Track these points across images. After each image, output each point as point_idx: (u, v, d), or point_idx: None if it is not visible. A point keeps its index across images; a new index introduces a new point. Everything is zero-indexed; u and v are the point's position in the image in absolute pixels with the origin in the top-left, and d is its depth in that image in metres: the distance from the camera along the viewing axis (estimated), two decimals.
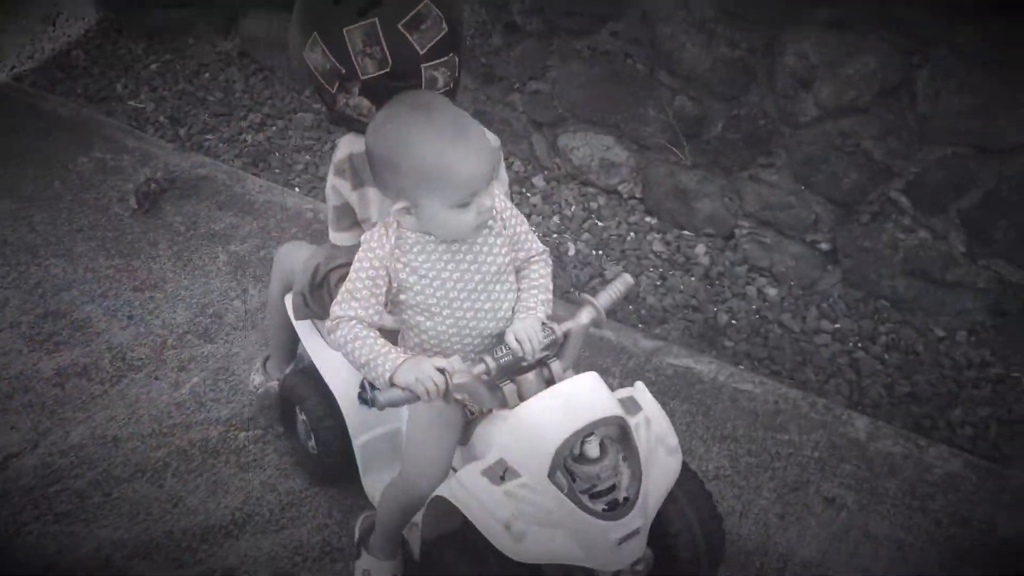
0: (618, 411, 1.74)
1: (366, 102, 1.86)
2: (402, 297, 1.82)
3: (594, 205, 3.38)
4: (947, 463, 2.42)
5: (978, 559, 2.19)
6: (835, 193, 2.92)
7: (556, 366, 1.80)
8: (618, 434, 1.76)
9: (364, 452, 2.15)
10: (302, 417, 2.30)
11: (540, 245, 1.93)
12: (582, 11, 3.20)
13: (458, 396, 1.81)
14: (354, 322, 1.77)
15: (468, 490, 1.72)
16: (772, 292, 3.00)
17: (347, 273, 1.89)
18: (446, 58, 1.87)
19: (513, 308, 1.86)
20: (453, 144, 1.66)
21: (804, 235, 3.04)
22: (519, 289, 1.88)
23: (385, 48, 1.80)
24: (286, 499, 2.38)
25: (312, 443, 2.29)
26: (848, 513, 2.30)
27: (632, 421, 1.77)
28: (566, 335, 1.81)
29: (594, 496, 1.72)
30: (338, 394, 2.14)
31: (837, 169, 2.88)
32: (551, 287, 1.91)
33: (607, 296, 1.86)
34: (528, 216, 3.39)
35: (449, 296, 1.80)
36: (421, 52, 1.82)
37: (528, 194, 3.49)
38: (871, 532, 2.25)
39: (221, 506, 2.38)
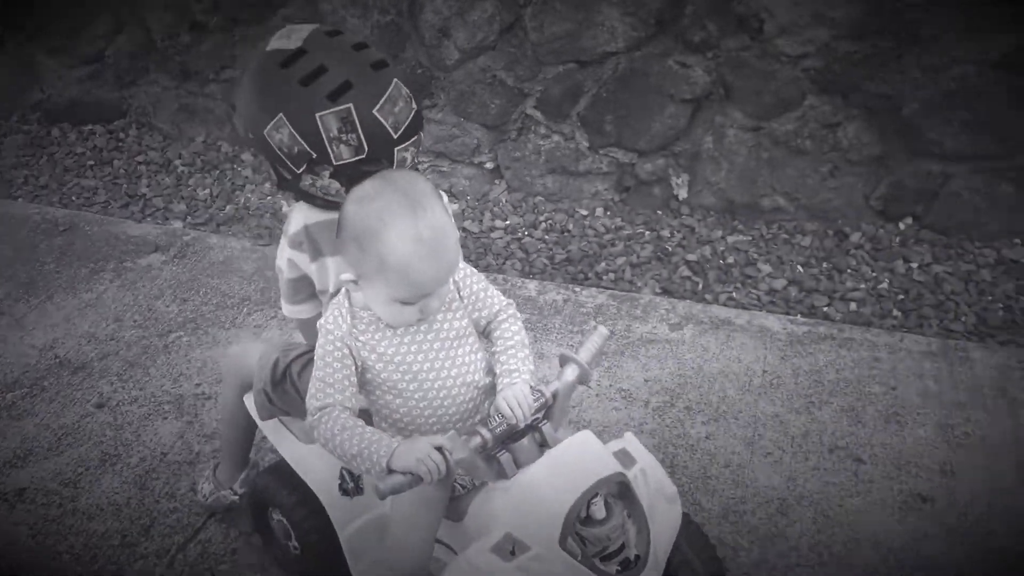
0: (619, 467, 1.69)
1: (336, 184, 1.78)
2: (368, 376, 1.76)
3: None
4: (595, 298, 3.16)
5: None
6: (487, 119, 3.62)
7: (547, 428, 1.73)
8: (619, 490, 1.70)
9: (352, 543, 2.01)
10: (277, 518, 2.19)
11: (503, 299, 1.85)
12: (254, 1, 3.73)
13: (459, 472, 1.73)
14: (337, 411, 1.69)
15: (479, 570, 1.66)
16: (455, 207, 3.66)
17: (310, 361, 1.84)
18: (415, 138, 1.81)
19: (481, 369, 1.80)
20: (428, 249, 1.60)
21: (471, 158, 3.72)
22: (495, 351, 1.82)
23: (361, 135, 1.72)
24: None
25: (294, 543, 2.17)
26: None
27: (630, 475, 1.72)
28: (554, 395, 1.75)
29: (605, 559, 1.67)
30: (317, 489, 2.03)
31: (484, 99, 3.58)
32: (527, 343, 1.84)
33: (587, 351, 1.82)
34: (242, 187, 3.88)
35: (412, 371, 1.74)
36: (395, 136, 1.75)
37: (239, 168, 3.98)
38: (543, 353, 2.93)
39: None
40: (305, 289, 1.92)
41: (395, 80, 1.75)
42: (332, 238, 1.79)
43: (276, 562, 2.28)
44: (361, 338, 1.73)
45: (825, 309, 3.05)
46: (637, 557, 1.68)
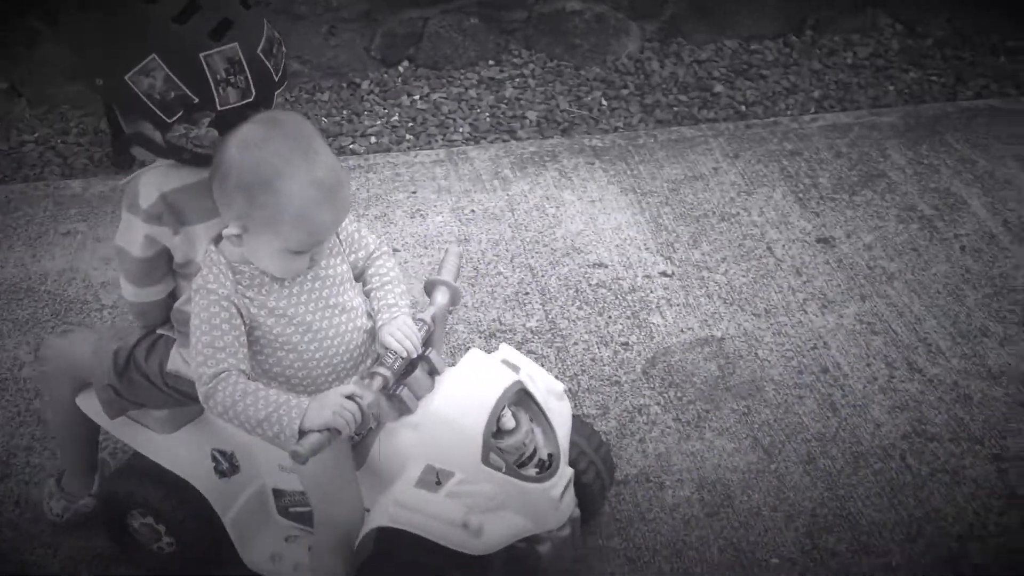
0: (516, 376, 1.76)
1: (214, 132, 1.67)
2: (256, 335, 1.67)
3: None
4: None
5: None
6: None
7: (434, 355, 1.74)
8: (516, 398, 1.77)
9: (236, 526, 1.92)
10: (140, 522, 2.00)
11: (375, 239, 1.84)
12: None
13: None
14: (234, 377, 1.58)
15: (411, 508, 1.66)
16: None
17: (156, 343, 1.81)
18: (286, 83, 1.72)
19: (365, 312, 1.77)
20: (328, 194, 1.55)
21: None
22: (370, 289, 1.80)
23: (249, 77, 1.60)
24: None
25: (164, 541, 2.01)
26: None
27: (525, 380, 1.79)
28: (434, 320, 1.77)
29: (522, 465, 1.74)
30: (191, 477, 1.90)
31: None
32: (402, 279, 1.84)
33: (449, 272, 1.85)
34: None
35: (306, 322, 1.68)
36: (276, 79, 1.65)
37: None
38: None
39: None
40: (160, 267, 1.74)
41: (266, 20, 1.66)
42: (198, 203, 1.66)
43: (144, 571, 2.07)
44: (248, 294, 1.64)
45: (351, 147, 3.54)
46: (550, 456, 1.75)
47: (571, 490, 1.78)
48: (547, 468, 1.75)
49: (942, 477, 2.19)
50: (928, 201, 3.07)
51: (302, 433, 1.54)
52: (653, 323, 2.65)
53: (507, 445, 1.71)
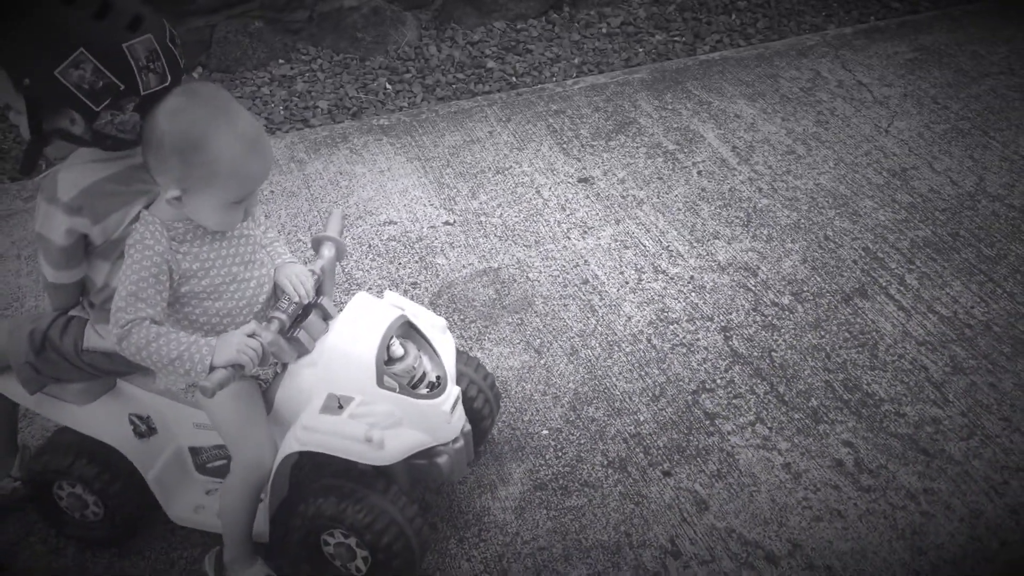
0: (400, 311, 2.00)
1: (136, 117, 1.77)
2: (184, 289, 1.84)
3: None
4: None
5: None
6: None
7: (325, 302, 1.96)
8: (403, 332, 2.00)
9: (159, 483, 2.08)
10: (68, 491, 2.12)
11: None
12: None
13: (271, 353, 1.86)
14: (147, 322, 1.76)
15: (317, 430, 1.86)
16: None
17: (69, 323, 1.95)
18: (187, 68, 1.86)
19: (269, 264, 1.95)
20: (252, 144, 1.74)
21: None
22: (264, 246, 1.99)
23: (164, 63, 1.75)
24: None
25: (92, 509, 2.13)
26: None
27: (410, 315, 2.03)
28: (322, 270, 2.00)
29: (413, 387, 1.95)
30: (112, 440, 2.04)
31: None
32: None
33: (335, 228, 2.08)
34: None
35: (232, 271, 1.87)
36: (181, 64, 1.81)
37: None
38: None
39: None
40: (79, 253, 1.88)
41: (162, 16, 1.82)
42: (114, 194, 1.82)
43: (74, 540, 2.19)
44: (182, 249, 1.80)
45: None
46: (438, 378, 1.98)
47: (460, 406, 2.00)
48: (436, 388, 1.97)
49: (680, 350, 2.63)
50: (671, 138, 3.54)
51: (211, 370, 1.74)
52: (438, 264, 3.00)
53: (399, 370, 1.93)
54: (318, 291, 1.97)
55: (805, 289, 2.81)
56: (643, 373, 2.56)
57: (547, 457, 2.34)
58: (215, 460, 2.11)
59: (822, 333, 2.65)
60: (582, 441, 2.38)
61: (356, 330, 1.94)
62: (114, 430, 2.05)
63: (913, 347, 2.59)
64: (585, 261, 2.97)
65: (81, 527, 2.18)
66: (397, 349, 1.94)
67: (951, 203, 3.12)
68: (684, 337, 2.67)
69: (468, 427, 2.05)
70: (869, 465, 2.28)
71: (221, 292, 1.86)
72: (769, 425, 2.40)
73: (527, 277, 2.91)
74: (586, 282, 2.89)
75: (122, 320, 1.75)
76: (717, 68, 4.00)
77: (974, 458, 2.29)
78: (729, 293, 2.82)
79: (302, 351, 1.92)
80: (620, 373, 2.57)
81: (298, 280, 1.93)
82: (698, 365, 2.58)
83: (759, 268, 2.90)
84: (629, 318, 2.75)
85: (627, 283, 2.87)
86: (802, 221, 3.08)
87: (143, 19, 1.74)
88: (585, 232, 3.10)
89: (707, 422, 2.41)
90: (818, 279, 2.85)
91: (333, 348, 1.92)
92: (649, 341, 2.66)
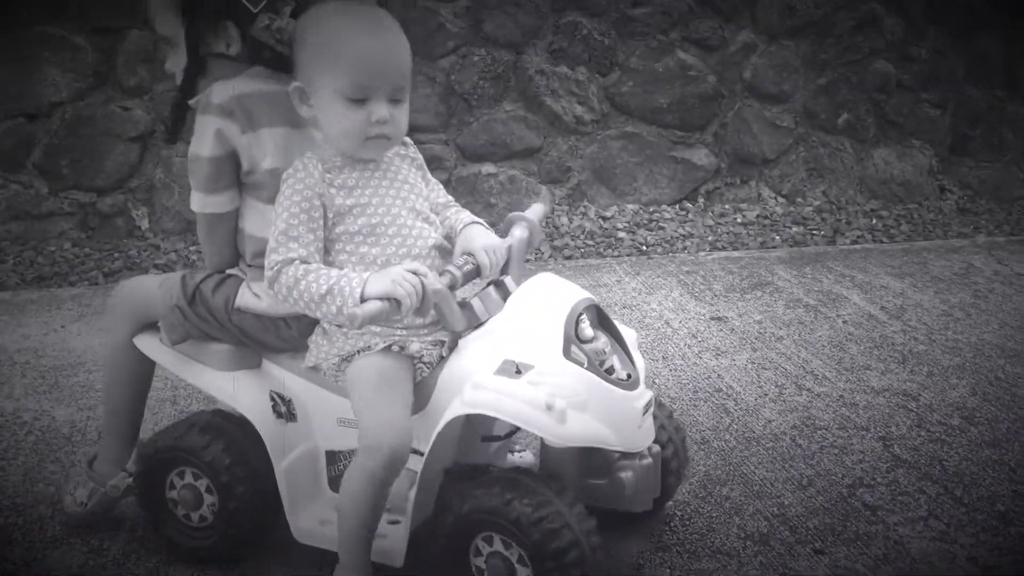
0: (589, 294, 1.72)
1: (293, 25, 1.72)
2: (338, 230, 1.69)
3: None
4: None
5: None
6: None
7: (509, 280, 1.74)
8: (593, 321, 1.70)
9: (289, 479, 1.80)
10: (184, 483, 1.86)
11: (450, 198, 1.88)
12: None
13: (436, 307, 1.63)
14: (297, 262, 1.62)
15: (490, 389, 1.58)
16: None
17: (223, 281, 1.81)
18: None
19: (433, 239, 1.75)
20: (371, 27, 1.66)
21: None
22: (447, 218, 1.81)
23: None
24: None
25: (203, 510, 1.86)
26: None
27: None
28: (510, 249, 1.77)
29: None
30: (250, 413, 1.82)
31: None
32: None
33: (534, 212, 1.86)
34: None
35: (392, 212, 1.70)
36: None
37: None
38: None
39: None
40: (228, 173, 1.76)
41: None
42: (267, 108, 1.74)
43: (169, 547, 1.89)
44: (337, 181, 1.68)
45: None
46: (628, 376, 1.67)
47: (651, 416, 1.69)
48: (626, 384, 1.64)
49: (830, 450, 2.25)
50: (812, 297, 3.31)
51: (364, 301, 1.55)
52: None
53: (588, 349, 1.63)
54: (504, 268, 1.75)
55: (978, 415, 2.42)
56: (787, 465, 2.18)
57: (672, 524, 1.95)
58: None
59: (1003, 451, 2.24)
60: (714, 515, 1.98)
61: (542, 301, 1.66)
62: (252, 404, 1.82)
63: None
64: (719, 375, 2.67)
65: (183, 530, 1.88)
66: (587, 330, 1.64)
67: None
68: (835, 440, 2.29)
69: (658, 449, 1.74)
70: None
71: (379, 235, 1.68)
72: (946, 522, 1.95)
73: (652, 383, 2.62)
74: (719, 390, 2.57)
75: (272, 261, 1.62)
76: (859, 255, 3.83)
77: None
78: (887, 411, 2.45)
79: (473, 319, 1.67)
80: (760, 463, 2.19)
81: (492, 249, 1.71)
82: (853, 464, 2.18)
83: (920, 395, 2.54)
84: (769, 421, 2.39)
85: (766, 394, 2.55)
86: (967, 365, 2.73)
87: None
88: (719, 355, 2.82)
89: (867, 512, 1.99)
90: (992, 408, 2.46)
91: (514, 315, 1.65)
92: (793, 440, 2.29)
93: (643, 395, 1.65)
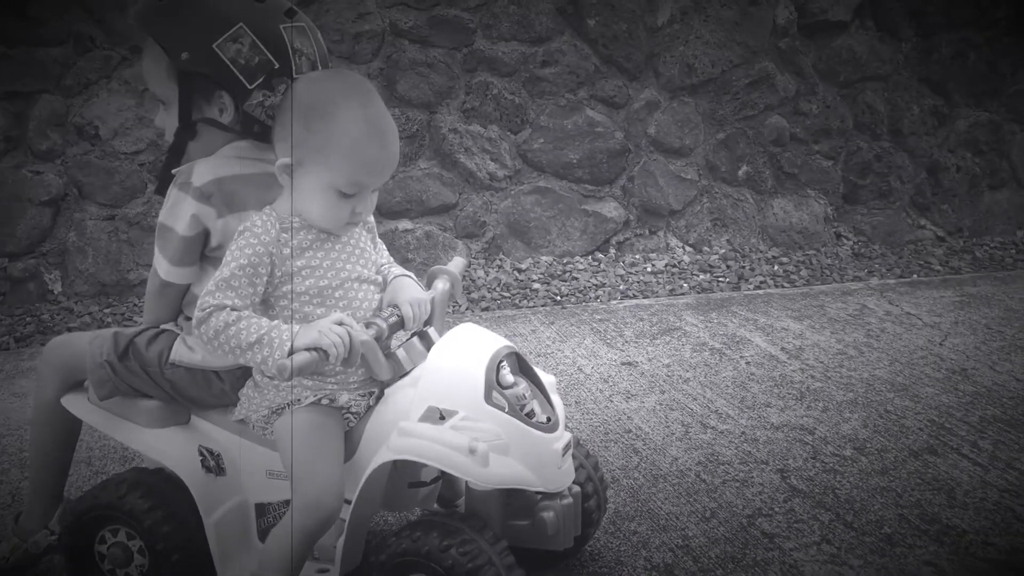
0: (509, 342, 1.79)
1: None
2: (285, 288, 1.71)
3: None
4: None
5: None
6: None
7: (432, 331, 1.81)
8: (513, 367, 1.77)
9: (219, 531, 1.82)
10: (112, 542, 1.87)
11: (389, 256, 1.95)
12: None
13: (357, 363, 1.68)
14: (229, 308, 1.64)
15: (415, 435, 1.64)
16: None
17: (157, 336, 1.85)
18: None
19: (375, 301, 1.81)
20: (378, 132, 1.67)
21: None
22: (380, 272, 1.86)
23: (316, 52, 1.81)
24: None
25: (135, 565, 1.87)
26: None
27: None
28: (434, 302, 1.84)
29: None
30: (178, 468, 1.83)
31: None
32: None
33: (457, 265, 1.93)
34: None
35: (341, 276, 1.74)
36: (327, 59, 1.87)
37: None
38: None
39: None
40: (196, 251, 1.81)
41: None
42: (247, 194, 1.78)
43: None
44: (292, 241, 1.70)
45: None
46: (548, 419, 1.74)
47: (570, 457, 1.75)
48: (546, 426, 1.71)
49: (732, 484, 2.37)
50: (717, 340, 3.46)
51: (291, 354, 1.57)
52: None
53: (508, 395, 1.69)
54: (428, 320, 1.82)
55: (868, 446, 2.58)
56: (691, 499, 2.29)
57: (581, 558, 2.04)
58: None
59: (891, 479, 2.39)
60: (622, 548, 2.08)
61: (463, 349, 1.73)
62: (180, 458, 1.84)
63: (995, 493, 2.31)
64: (628, 417, 2.78)
65: None
66: (508, 376, 1.72)
67: (1018, 394, 2.93)
68: (736, 474, 2.42)
69: (578, 489, 1.82)
70: None
71: (326, 297, 1.72)
72: (837, 546, 2.08)
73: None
74: (629, 431, 2.69)
75: (206, 304, 1.65)
76: (762, 299, 4.01)
77: None
78: (785, 445, 2.59)
79: (398, 369, 1.74)
80: (666, 498, 2.30)
81: (417, 305, 1.77)
82: (753, 496, 2.31)
83: (816, 429, 2.69)
84: (675, 458, 2.51)
85: (673, 434, 2.67)
86: (859, 399, 2.89)
87: (296, 12, 1.82)
88: (629, 398, 2.94)
89: (765, 540, 2.11)
90: (881, 439, 2.62)
91: (437, 363, 1.71)
92: (698, 476, 2.41)
93: (562, 436, 1.73)
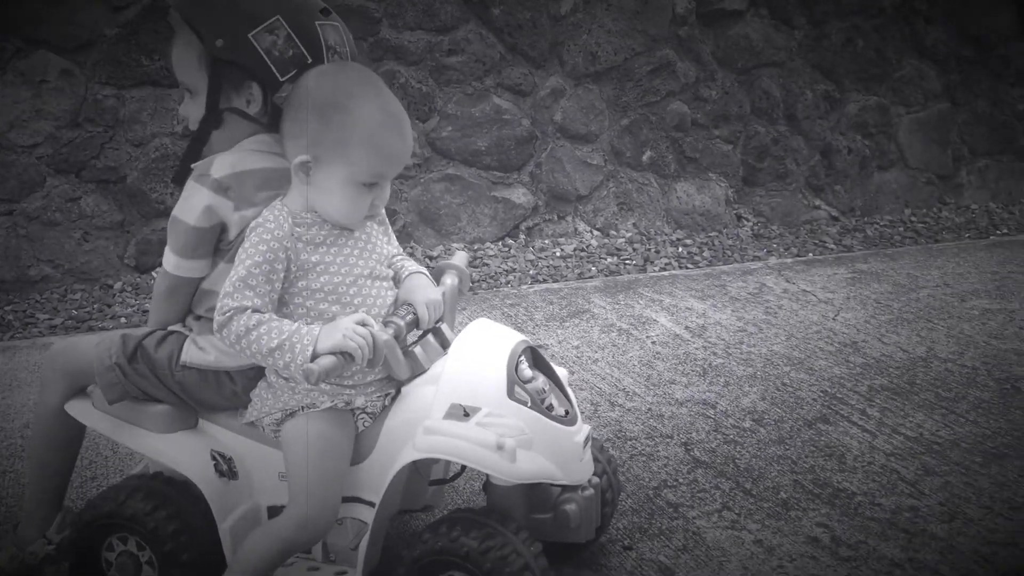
0: (525, 337, 1.82)
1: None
2: (300, 284, 1.70)
3: None
4: None
5: None
6: None
7: (445, 328, 1.82)
8: (530, 361, 1.81)
9: (233, 537, 1.80)
10: (119, 550, 1.84)
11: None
12: None
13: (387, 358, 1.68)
14: (250, 311, 1.62)
15: (441, 433, 1.65)
16: None
17: (165, 337, 1.80)
18: None
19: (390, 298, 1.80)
20: (395, 121, 1.68)
21: None
22: (392, 265, 1.86)
23: (348, 50, 1.82)
24: None
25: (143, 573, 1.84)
26: None
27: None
28: (444, 297, 1.85)
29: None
30: (192, 474, 1.80)
31: None
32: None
33: (460, 259, 1.94)
34: None
35: (355, 273, 1.73)
36: (356, 57, 1.88)
37: None
38: None
39: None
40: (208, 243, 1.77)
41: None
42: (265, 188, 1.77)
43: None
44: (305, 236, 1.69)
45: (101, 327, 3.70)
46: (567, 412, 1.78)
47: (590, 449, 1.81)
48: (565, 420, 1.76)
49: (639, 459, 2.49)
50: (625, 321, 3.57)
51: (315, 358, 1.57)
52: None
53: (528, 389, 1.73)
54: (440, 318, 1.83)
55: (766, 417, 2.71)
56: None
57: None
58: None
59: (786, 447, 2.53)
60: None
61: (482, 345, 1.76)
62: (193, 463, 1.81)
63: (882, 457, 2.46)
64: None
65: None
66: (526, 371, 1.76)
67: (903, 363, 3.12)
68: (643, 449, 2.53)
69: (598, 481, 1.85)
70: (847, 541, 2.09)
71: (340, 295, 1.71)
72: (737, 512, 2.21)
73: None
74: None
75: (226, 307, 1.62)
76: (667, 280, 4.14)
77: (958, 535, 2.11)
78: (688, 419, 2.71)
79: (416, 367, 1.75)
80: None
81: (433, 303, 1.77)
82: (659, 469, 2.42)
83: (717, 403, 2.82)
84: None
85: (582, 412, 2.72)
86: (758, 374, 3.04)
87: (330, 12, 1.83)
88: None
89: (670, 510, 2.22)
90: (778, 410, 2.76)
91: (457, 361, 1.73)
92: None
93: (582, 430, 1.78)
